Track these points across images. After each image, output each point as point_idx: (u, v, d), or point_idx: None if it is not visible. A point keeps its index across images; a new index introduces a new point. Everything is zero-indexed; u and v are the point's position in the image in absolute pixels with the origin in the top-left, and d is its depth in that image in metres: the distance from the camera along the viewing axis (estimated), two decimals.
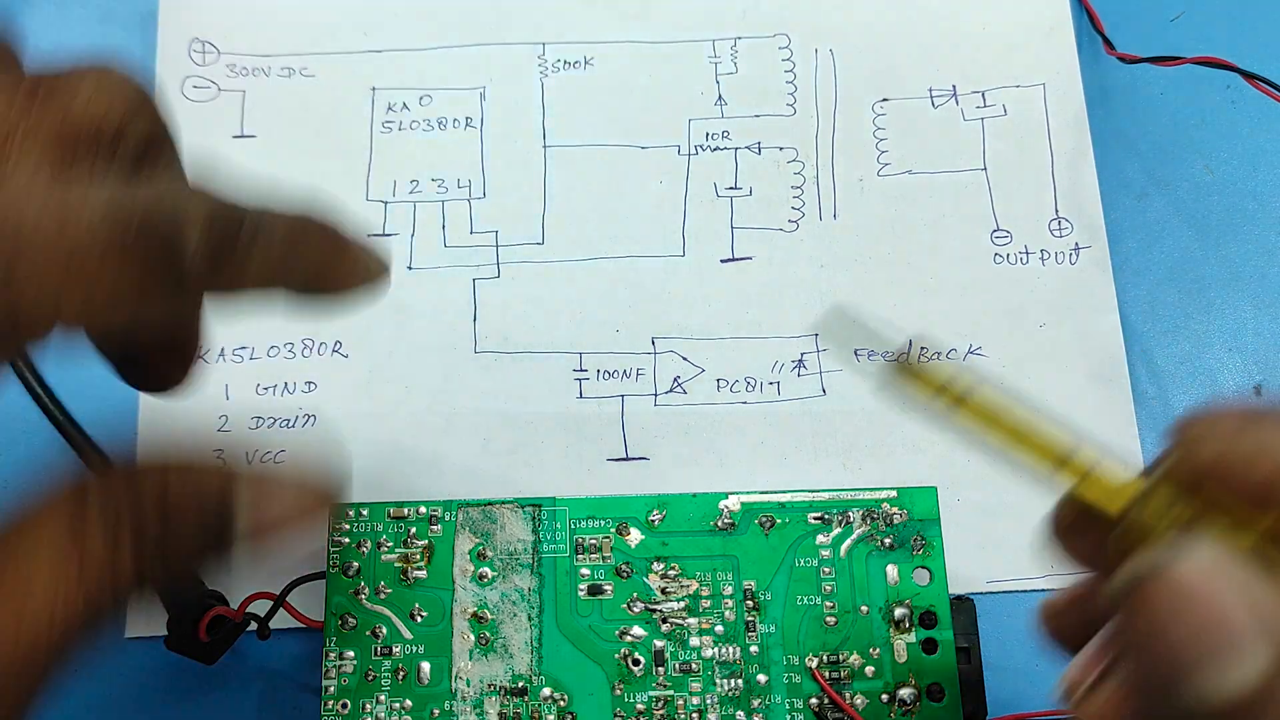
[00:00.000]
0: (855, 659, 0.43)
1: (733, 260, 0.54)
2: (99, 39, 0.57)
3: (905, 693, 0.43)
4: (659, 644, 0.44)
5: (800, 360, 0.52)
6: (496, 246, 0.54)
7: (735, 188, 0.55)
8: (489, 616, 0.44)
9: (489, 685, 0.43)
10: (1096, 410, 0.52)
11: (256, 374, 0.52)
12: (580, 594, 0.44)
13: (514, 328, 0.53)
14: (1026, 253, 0.54)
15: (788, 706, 0.43)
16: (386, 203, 0.54)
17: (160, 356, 0.39)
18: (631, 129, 0.56)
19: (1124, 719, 0.29)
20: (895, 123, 0.56)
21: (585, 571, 0.44)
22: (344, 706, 0.43)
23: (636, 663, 0.43)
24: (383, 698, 0.43)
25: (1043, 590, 0.50)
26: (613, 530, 0.45)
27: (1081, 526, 0.33)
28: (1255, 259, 0.54)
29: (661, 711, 0.43)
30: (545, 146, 0.55)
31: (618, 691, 0.43)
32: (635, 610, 0.44)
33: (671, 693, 0.43)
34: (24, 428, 0.51)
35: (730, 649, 0.43)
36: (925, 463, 0.51)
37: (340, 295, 0.36)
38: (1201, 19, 0.58)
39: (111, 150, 0.34)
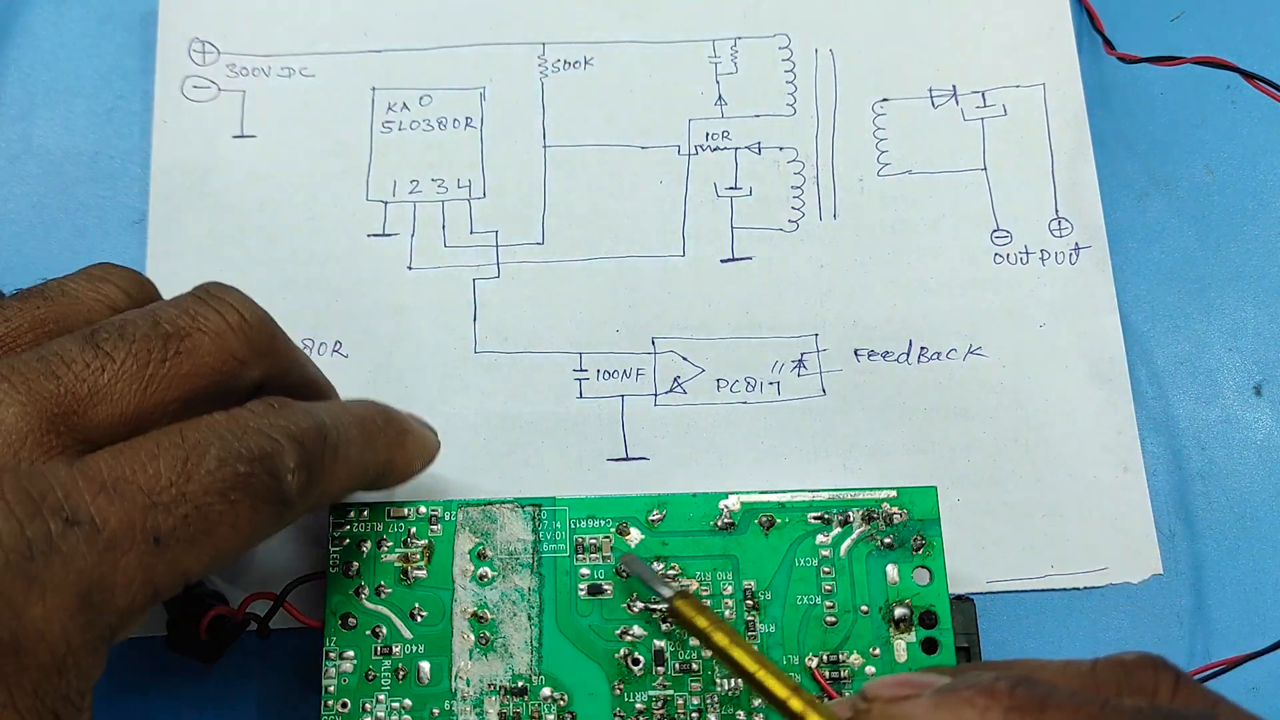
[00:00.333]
0: (855, 659, 0.43)
1: (733, 260, 0.54)
2: (99, 39, 0.57)
3: None
4: (659, 644, 0.44)
5: (800, 360, 0.52)
6: (496, 246, 0.54)
7: (735, 188, 0.55)
8: (489, 616, 0.44)
9: (489, 685, 0.43)
10: (1097, 410, 0.52)
11: None
12: (580, 594, 0.44)
13: (514, 328, 0.53)
14: (1026, 253, 0.54)
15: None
16: (386, 203, 0.54)
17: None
18: (631, 129, 0.56)
19: None
20: (895, 123, 0.56)
21: (585, 571, 0.44)
22: (344, 706, 0.43)
23: (636, 662, 0.43)
24: (382, 697, 0.43)
25: (1042, 590, 0.50)
26: (613, 530, 0.45)
27: None
28: (1255, 259, 0.54)
29: (661, 711, 0.43)
30: (545, 146, 0.55)
31: (618, 691, 0.43)
32: (635, 610, 0.44)
33: (671, 692, 0.43)
34: None
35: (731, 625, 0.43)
36: (925, 463, 0.51)
37: (405, 479, 0.43)
38: (1201, 19, 0.58)
39: (230, 387, 0.38)
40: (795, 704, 0.37)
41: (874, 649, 0.43)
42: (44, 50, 0.57)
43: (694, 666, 0.43)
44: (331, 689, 0.43)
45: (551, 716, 0.43)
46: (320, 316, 0.53)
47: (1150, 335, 0.53)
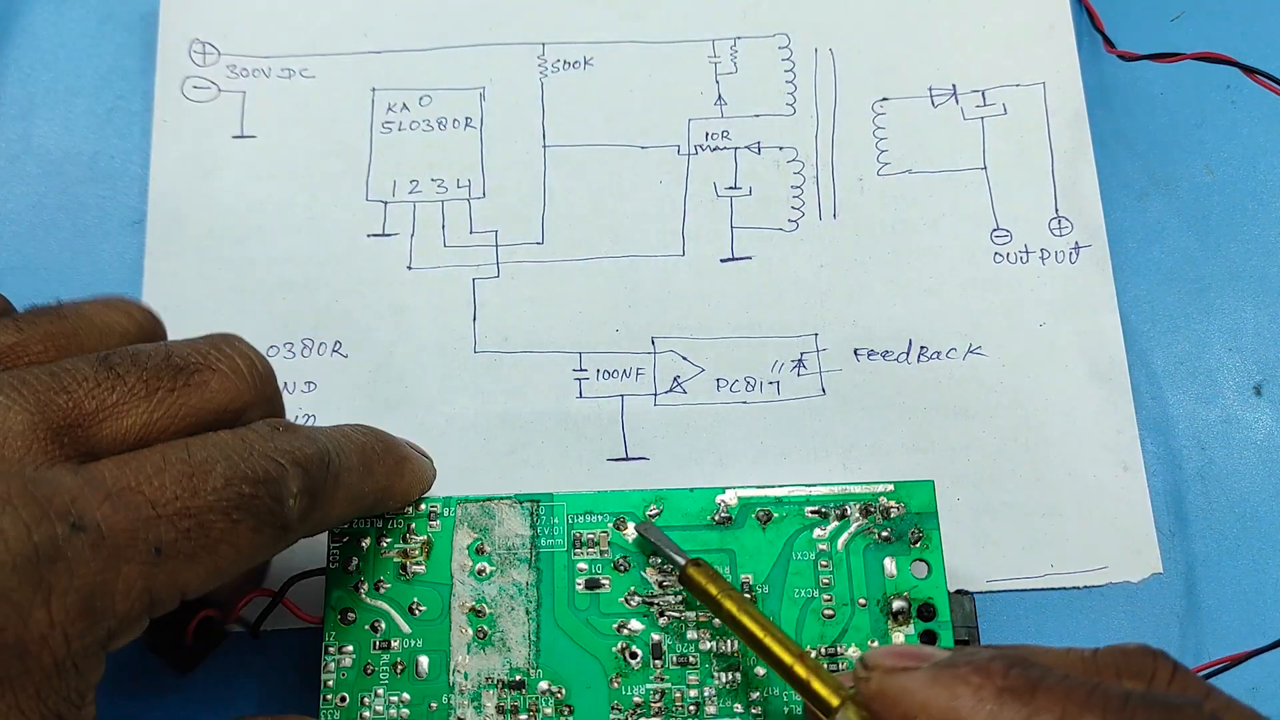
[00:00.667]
0: (854, 651, 0.43)
1: (732, 260, 0.54)
2: (99, 39, 0.57)
3: None
4: (656, 637, 0.43)
5: (800, 360, 0.52)
6: (496, 246, 0.54)
7: (735, 187, 0.55)
8: (487, 610, 0.44)
9: (487, 678, 0.43)
10: (1096, 409, 0.52)
11: None
12: (578, 588, 0.44)
13: (513, 327, 0.53)
14: (1026, 252, 0.54)
15: (785, 699, 0.43)
16: (386, 203, 0.54)
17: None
18: (631, 129, 0.56)
19: None
20: (895, 122, 0.56)
21: (583, 566, 0.44)
22: (343, 700, 0.43)
23: (634, 655, 0.43)
24: (381, 691, 0.43)
25: (1042, 589, 0.50)
26: (610, 525, 0.45)
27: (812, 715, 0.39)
28: (1255, 259, 0.54)
29: (659, 704, 0.43)
30: (545, 146, 0.55)
31: (615, 684, 0.43)
32: (633, 604, 0.44)
33: (669, 685, 0.43)
34: None
35: (728, 642, 0.43)
36: (925, 462, 0.51)
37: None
38: (1202, 19, 0.58)
39: (230, 426, 0.38)
40: (800, 670, 0.38)
41: (872, 641, 0.43)
42: (44, 50, 0.57)
43: (691, 659, 0.43)
44: (330, 683, 0.43)
45: (549, 710, 0.43)
46: (320, 317, 0.53)
47: (1150, 335, 0.53)
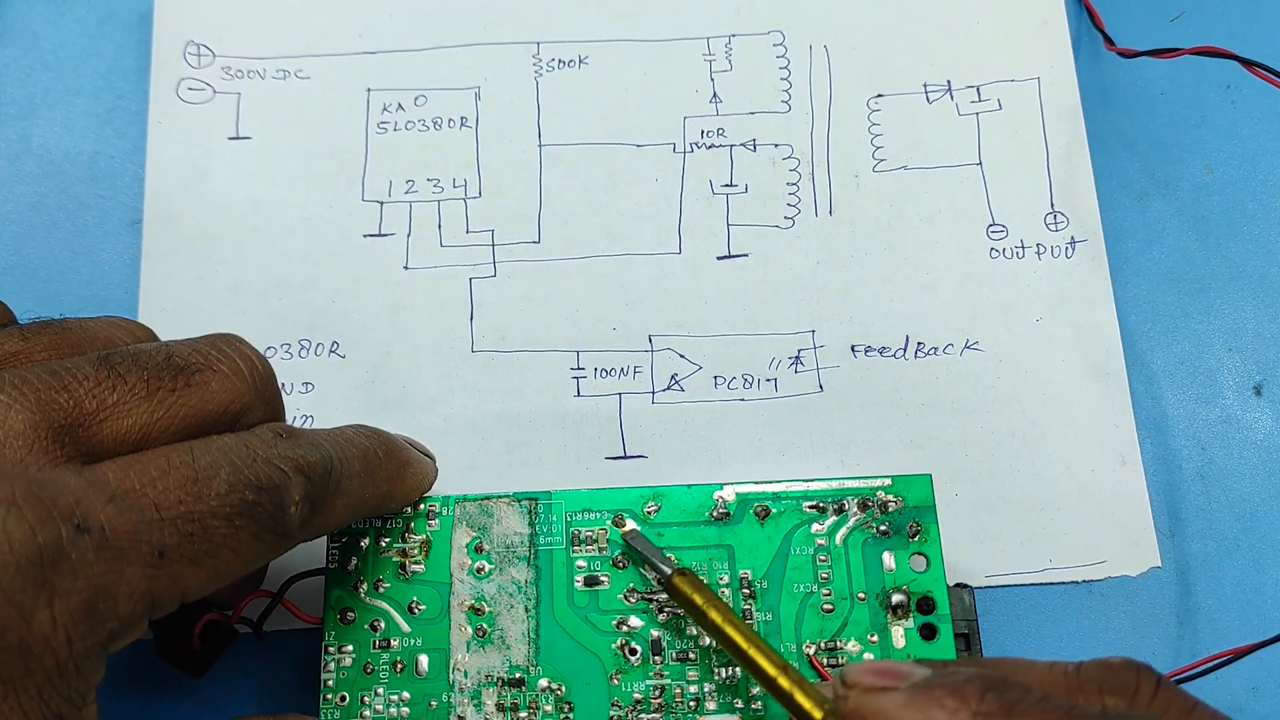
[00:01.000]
0: (853, 645, 0.43)
1: (729, 257, 0.54)
2: (98, 39, 0.57)
3: None
4: (656, 633, 0.43)
5: (797, 357, 0.52)
6: (493, 246, 0.54)
7: (731, 185, 0.55)
8: (486, 609, 0.44)
9: (486, 676, 0.43)
10: (1093, 403, 0.52)
11: None
12: (577, 585, 0.44)
13: (511, 327, 0.53)
14: (1022, 247, 0.54)
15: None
16: (382, 203, 0.54)
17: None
18: (627, 127, 0.56)
19: None
20: (890, 118, 0.56)
21: (582, 563, 0.44)
22: (343, 699, 0.43)
23: (634, 652, 0.43)
24: (381, 690, 0.43)
25: (1041, 584, 0.50)
26: (608, 522, 0.45)
27: None
28: (1255, 259, 0.54)
29: (659, 700, 0.43)
30: (540, 145, 0.55)
31: (615, 681, 0.43)
32: (632, 600, 0.44)
33: (669, 681, 0.43)
34: None
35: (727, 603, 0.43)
36: (923, 458, 0.51)
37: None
38: (1202, 18, 0.58)
39: (230, 428, 0.38)
40: (783, 682, 0.38)
41: (872, 635, 0.43)
42: (44, 50, 0.57)
43: (691, 655, 0.43)
44: (330, 682, 0.43)
45: (549, 707, 0.43)
46: (317, 317, 0.53)
47: (1150, 335, 0.53)
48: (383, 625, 0.44)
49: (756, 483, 0.45)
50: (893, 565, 0.44)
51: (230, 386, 0.38)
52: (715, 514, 0.45)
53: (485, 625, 0.44)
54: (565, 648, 0.43)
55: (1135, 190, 0.55)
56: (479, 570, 0.44)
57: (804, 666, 0.43)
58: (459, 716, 0.43)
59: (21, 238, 0.54)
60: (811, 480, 0.45)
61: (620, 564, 0.44)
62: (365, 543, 0.44)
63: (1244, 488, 0.51)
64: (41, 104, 0.56)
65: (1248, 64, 0.51)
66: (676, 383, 0.52)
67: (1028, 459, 0.51)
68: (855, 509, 0.45)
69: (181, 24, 0.57)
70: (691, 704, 0.43)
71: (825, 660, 0.43)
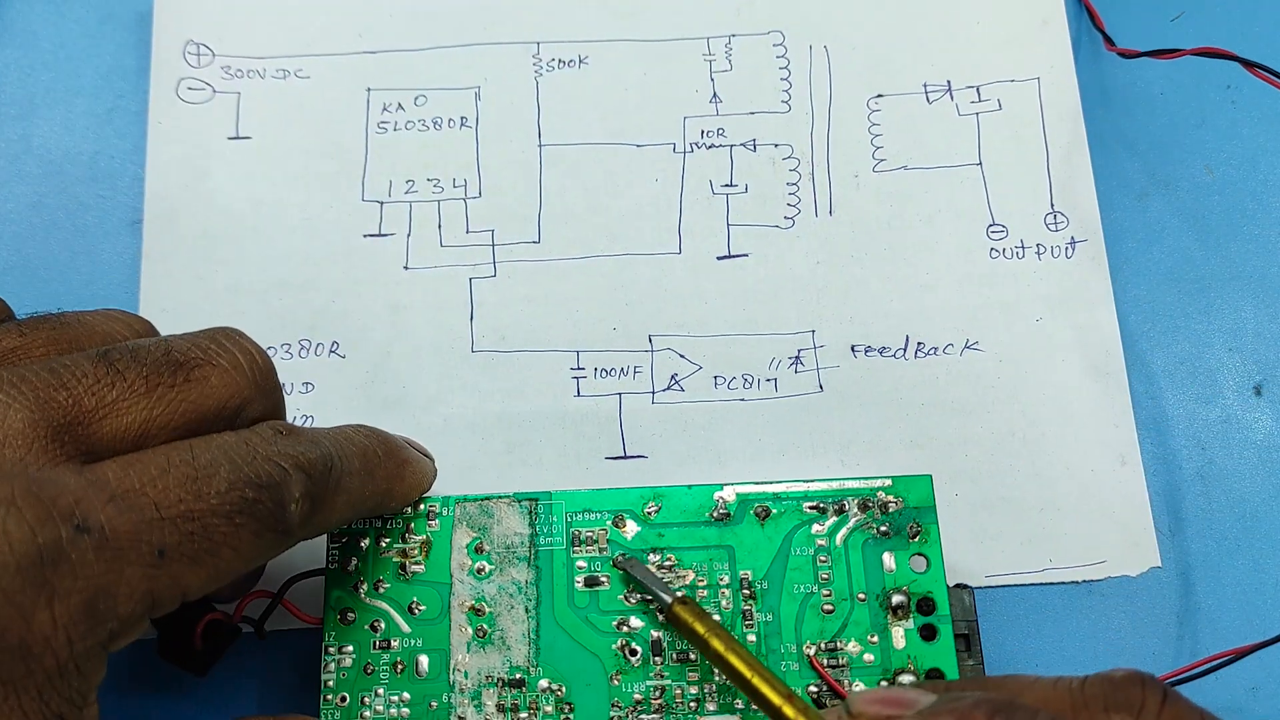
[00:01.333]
0: (853, 646, 0.43)
1: (729, 257, 0.54)
2: (98, 39, 0.57)
3: (905, 679, 0.43)
4: (656, 634, 0.43)
5: (797, 357, 0.52)
6: (493, 246, 0.54)
7: (731, 185, 0.55)
8: (486, 609, 0.44)
9: (487, 677, 0.43)
10: (1093, 403, 0.52)
11: None
12: (577, 586, 0.44)
13: (511, 327, 0.53)
14: (1022, 247, 0.54)
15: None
16: (382, 203, 0.54)
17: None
18: (627, 127, 0.56)
19: None
20: (890, 118, 0.56)
21: (582, 564, 0.44)
22: (343, 700, 0.43)
23: (634, 653, 0.43)
24: (381, 690, 0.43)
25: (1041, 584, 0.50)
26: (609, 522, 0.45)
27: None
28: (1255, 259, 0.54)
29: (659, 701, 0.43)
30: (540, 145, 0.55)
31: (615, 682, 0.43)
32: (632, 601, 0.44)
33: (669, 682, 0.43)
34: None
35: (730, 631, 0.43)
36: (923, 458, 0.51)
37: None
38: (1202, 18, 0.58)
39: (230, 423, 0.38)
40: (789, 711, 0.38)
41: (872, 636, 0.43)
42: (44, 50, 0.57)
43: (691, 656, 0.43)
44: (330, 682, 0.43)
45: (549, 708, 0.43)
46: (317, 317, 0.53)
47: (1150, 335, 0.53)
48: (383, 626, 0.44)
49: (757, 483, 0.45)
50: (893, 566, 0.44)
51: (230, 381, 0.38)
52: (715, 514, 0.45)
53: (485, 626, 0.44)
54: (566, 648, 0.43)
55: (1135, 190, 0.55)
56: (479, 571, 0.44)
57: (804, 667, 0.43)
58: (459, 717, 0.43)
59: (21, 238, 0.54)
60: (812, 481, 0.45)
61: (620, 566, 0.44)
62: (365, 543, 0.44)
63: (1244, 488, 0.51)
64: (41, 104, 0.56)
65: (1248, 64, 0.51)
66: (676, 383, 0.52)
67: (1028, 459, 0.51)
68: (855, 509, 0.45)
69: (181, 24, 0.57)
70: (692, 705, 0.43)
71: (826, 661, 0.43)
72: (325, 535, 0.44)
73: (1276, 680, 0.49)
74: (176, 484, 0.34)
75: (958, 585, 0.45)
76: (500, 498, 0.45)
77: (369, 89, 0.56)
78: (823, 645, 0.43)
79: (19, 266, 0.53)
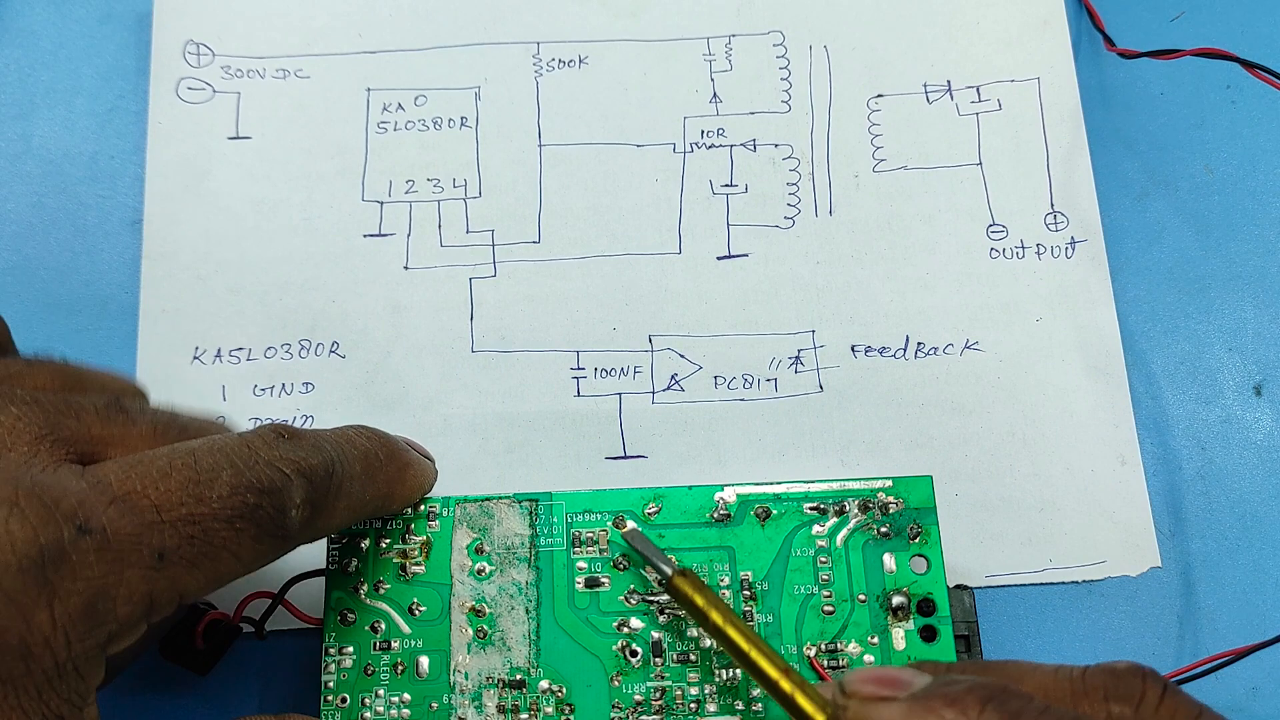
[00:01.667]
0: (854, 647, 0.43)
1: (729, 257, 0.54)
2: (98, 39, 0.57)
3: None
4: (656, 635, 0.43)
5: (797, 357, 0.52)
6: (493, 246, 0.54)
7: (731, 185, 0.55)
8: (487, 610, 0.44)
9: (487, 678, 0.43)
10: (1093, 404, 0.52)
11: (254, 375, 0.52)
12: (578, 586, 0.44)
13: (511, 327, 0.53)
14: (1022, 247, 0.54)
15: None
16: (382, 203, 0.54)
17: None
18: (627, 127, 0.56)
19: None
20: (890, 118, 0.56)
21: (582, 565, 0.44)
22: (343, 701, 0.43)
23: (634, 654, 0.43)
24: (382, 691, 0.43)
25: (1041, 584, 0.50)
26: (609, 523, 0.45)
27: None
28: (1255, 259, 0.54)
29: (660, 702, 0.43)
30: (541, 145, 0.55)
31: (616, 683, 0.43)
32: (632, 602, 0.44)
33: (669, 683, 0.43)
34: None
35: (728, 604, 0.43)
36: (923, 458, 0.51)
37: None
38: (1202, 19, 0.58)
39: None
40: (785, 685, 0.38)
41: (872, 637, 0.43)
42: (44, 50, 0.57)
43: (692, 657, 0.43)
44: (331, 683, 0.43)
45: (550, 709, 0.43)
46: (317, 318, 0.53)
47: (1150, 335, 0.53)
48: (383, 627, 0.44)
49: (757, 484, 0.45)
50: (893, 567, 0.44)
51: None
52: (716, 515, 0.45)
53: (486, 627, 0.44)
54: (566, 649, 0.43)
55: (1135, 190, 0.55)
56: (479, 571, 0.44)
57: (805, 668, 0.43)
58: (460, 718, 0.43)
59: (21, 238, 0.54)
60: (812, 481, 0.45)
61: (621, 565, 0.44)
62: (365, 544, 0.44)
63: (1244, 488, 0.51)
64: (41, 104, 0.56)
65: (1248, 64, 0.51)
66: (676, 383, 0.52)
67: (1028, 459, 0.51)
68: (856, 510, 0.45)
69: (181, 23, 0.57)
70: (692, 705, 0.43)
71: (826, 662, 0.43)
72: (325, 538, 0.44)
73: (1276, 680, 0.49)
74: (178, 487, 0.34)
75: (958, 586, 0.45)
76: (500, 498, 0.45)
77: (369, 89, 0.56)
78: (823, 646, 0.43)
79: (19, 266, 0.53)
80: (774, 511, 0.45)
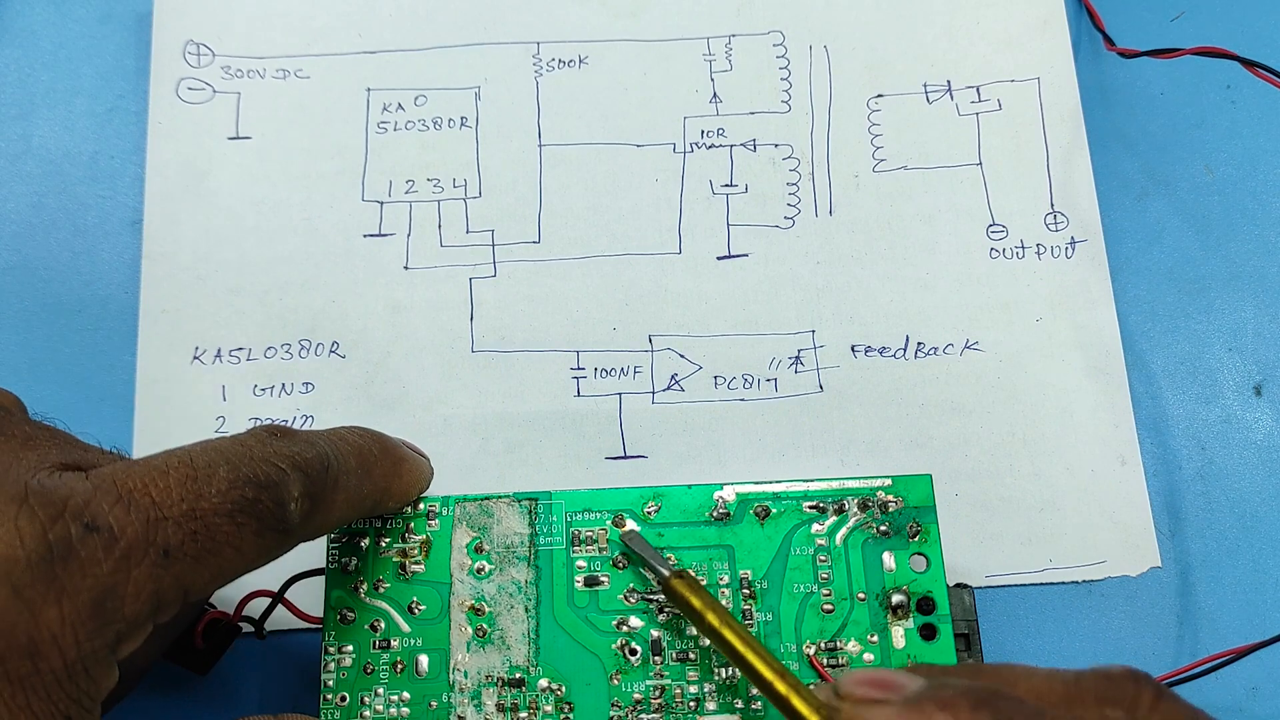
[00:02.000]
0: (853, 646, 0.43)
1: (729, 257, 0.54)
2: (98, 39, 0.57)
3: None
4: (656, 633, 0.43)
5: (797, 356, 0.52)
6: (493, 246, 0.54)
7: (731, 185, 0.55)
8: (486, 609, 0.44)
9: (486, 676, 0.43)
10: (1093, 404, 0.52)
11: (254, 375, 0.52)
12: (577, 585, 0.44)
13: (511, 327, 0.53)
14: (1022, 247, 0.54)
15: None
16: (382, 203, 0.54)
17: None
18: (627, 127, 0.56)
19: None
20: (890, 118, 0.56)
21: (582, 563, 0.44)
22: (343, 699, 0.43)
23: (634, 652, 0.43)
24: (381, 690, 0.43)
25: (1041, 584, 0.50)
26: (609, 522, 0.45)
27: None
28: (1255, 259, 0.54)
29: (659, 700, 0.43)
30: (540, 145, 0.55)
31: (615, 681, 0.43)
32: (632, 601, 0.44)
33: (669, 682, 0.43)
34: None
35: (726, 605, 0.43)
36: (923, 458, 0.51)
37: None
38: (1202, 18, 0.58)
39: None
40: (781, 687, 0.38)
41: (872, 636, 0.43)
42: (44, 50, 0.57)
43: (691, 656, 0.43)
44: (330, 682, 0.43)
45: (549, 707, 0.43)
46: (317, 318, 0.53)
47: (1150, 335, 0.53)
48: (383, 625, 0.44)
49: (757, 483, 0.45)
50: (893, 565, 0.44)
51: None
52: (715, 514, 0.45)
53: (485, 625, 0.44)
54: (565, 648, 0.43)
55: (1135, 190, 0.55)
56: (479, 570, 0.44)
57: (804, 667, 0.43)
58: (459, 717, 0.43)
59: (21, 238, 0.54)
60: (811, 480, 0.45)
61: (620, 564, 0.44)
62: (365, 543, 0.44)
63: (1244, 488, 0.51)
64: (41, 104, 0.56)
65: (1248, 64, 0.51)
66: (676, 383, 0.52)
67: (1027, 459, 0.51)
68: (855, 509, 0.45)
69: (181, 24, 0.57)
70: (691, 704, 0.43)
71: (825, 660, 0.43)
72: (326, 534, 0.44)
73: (1276, 680, 0.49)
74: (176, 484, 0.34)
75: (958, 585, 0.45)
76: (500, 498, 0.45)
77: (369, 89, 0.56)
78: (822, 645, 0.43)
79: (19, 266, 0.53)
80: (773, 510, 0.45)
